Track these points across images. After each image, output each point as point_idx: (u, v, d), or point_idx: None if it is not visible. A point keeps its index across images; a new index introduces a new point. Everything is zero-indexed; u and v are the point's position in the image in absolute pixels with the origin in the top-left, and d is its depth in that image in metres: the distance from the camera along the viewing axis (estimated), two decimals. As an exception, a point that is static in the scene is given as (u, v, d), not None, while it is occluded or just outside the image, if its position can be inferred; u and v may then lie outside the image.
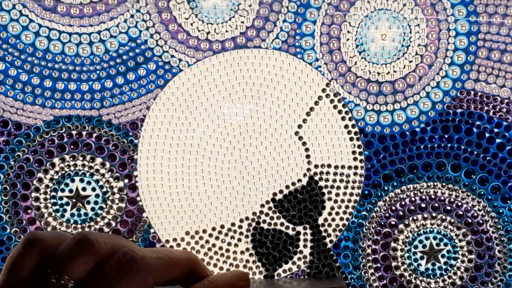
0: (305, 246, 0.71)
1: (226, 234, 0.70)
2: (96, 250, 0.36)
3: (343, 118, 0.71)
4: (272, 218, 0.71)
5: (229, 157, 0.70)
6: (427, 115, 0.71)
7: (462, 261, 0.72)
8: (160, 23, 0.69)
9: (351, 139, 0.71)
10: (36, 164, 0.69)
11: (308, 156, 0.71)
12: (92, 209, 0.70)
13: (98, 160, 0.70)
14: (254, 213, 0.70)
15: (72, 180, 0.69)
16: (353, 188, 0.71)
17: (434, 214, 0.71)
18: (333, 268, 0.71)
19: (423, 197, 0.71)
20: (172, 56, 0.70)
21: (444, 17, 0.71)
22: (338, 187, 0.71)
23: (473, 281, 0.72)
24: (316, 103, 0.71)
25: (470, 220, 0.72)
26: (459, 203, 0.71)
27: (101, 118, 0.69)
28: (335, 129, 0.71)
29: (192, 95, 0.70)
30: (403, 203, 0.71)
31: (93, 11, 0.69)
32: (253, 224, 0.70)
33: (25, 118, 0.69)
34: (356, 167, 0.71)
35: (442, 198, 0.71)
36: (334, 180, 0.71)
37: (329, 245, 0.71)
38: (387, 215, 0.71)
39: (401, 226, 0.71)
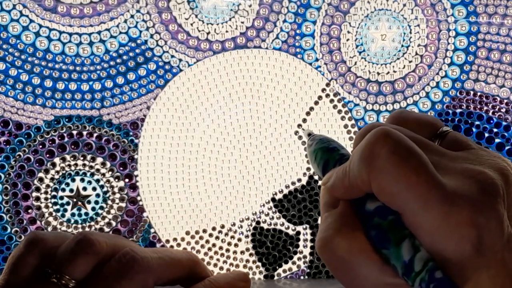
0: (305, 246, 0.71)
1: (226, 234, 0.71)
2: (97, 250, 0.36)
3: (342, 118, 0.71)
4: (272, 218, 0.71)
5: (229, 157, 0.70)
6: (426, 115, 0.71)
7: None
8: (160, 23, 0.70)
9: (351, 139, 0.71)
10: (37, 164, 0.69)
11: (308, 156, 0.71)
12: (93, 208, 0.70)
13: (99, 159, 0.70)
14: (254, 213, 0.71)
15: (73, 180, 0.70)
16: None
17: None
18: (333, 268, 0.71)
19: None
20: (172, 56, 0.70)
21: (444, 18, 0.71)
22: (338, 187, 0.71)
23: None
24: (316, 103, 0.71)
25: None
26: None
27: (101, 118, 0.70)
28: (335, 129, 0.71)
29: (192, 95, 0.70)
30: (402, 203, 0.71)
31: (93, 12, 0.69)
32: (253, 224, 0.71)
33: (25, 118, 0.69)
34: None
35: (442, 198, 0.71)
36: (334, 180, 0.71)
37: (329, 245, 0.71)
38: (386, 215, 0.71)
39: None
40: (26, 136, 0.69)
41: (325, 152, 0.35)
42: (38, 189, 0.69)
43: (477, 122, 0.71)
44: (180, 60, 0.70)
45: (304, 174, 0.71)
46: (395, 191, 0.27)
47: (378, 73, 0.71)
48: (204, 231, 0.70)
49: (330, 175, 0.32)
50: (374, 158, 0.27)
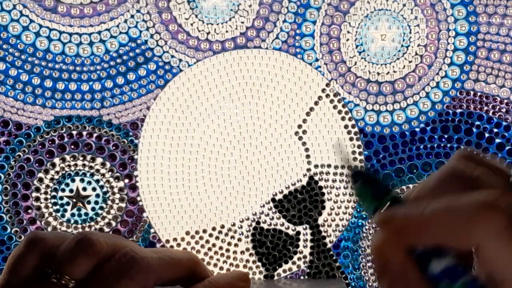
0: (305, 246, 0.71)
1: (226, 234, 0.71)
2: (97, 250, 0.36)
3: (343, 118, 0.71)
4: (272, 218, 0.71)
5: (229, 157, 0.70)
6: (426, 115, 0.71)
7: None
8: (160, 24, 0.70)
9: (351, 139, 0.71)
10: (37, 164, 0.69)
11: (308, 156, 0.71)
12: (93, 209, 0.70)
13: (99, 160, 0.70)
14: (254, 213, 0.71)
15: (73, 180, 0.70)
16: (353, 188, 0.71)
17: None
18: (333, 268, 0.71)
19: (423, 197, 0.71)
20: (172, 56, 0.70)
21: (444, 18, 0.71)
22: (338, 187, 0.71)
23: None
24: (316, 103, 0.71)
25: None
26: (459, 203, 0.71)
27: (101, 118, 0.70)
28: (335, 129, 0.71)
29: (192, 95, 0.70)
30: (402, 203, 0.71)
31: (94, 12, 0.69)
32: (253, 224, 0.71)
33: (25, 118, 0.69)
34: (356, 167, 0.71)
35: (442, 198, 0.71)
36: (334, 180, 0.71)
37: (329, 245, 0.71)
38: (387, 215, 0.71)
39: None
40: (26, 136, 0.69)
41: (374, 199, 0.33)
42: (38, 189, 0.69)
43: (477, 122, 0.71)
44: (180, 60, 0.70)
45: (304, 174, 0.71)
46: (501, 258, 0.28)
47: (378, 73, 0.71)
48: (204, 231, 0.70)
49: (393, 212, 0.30)
50: (489, 230, 0.28)
